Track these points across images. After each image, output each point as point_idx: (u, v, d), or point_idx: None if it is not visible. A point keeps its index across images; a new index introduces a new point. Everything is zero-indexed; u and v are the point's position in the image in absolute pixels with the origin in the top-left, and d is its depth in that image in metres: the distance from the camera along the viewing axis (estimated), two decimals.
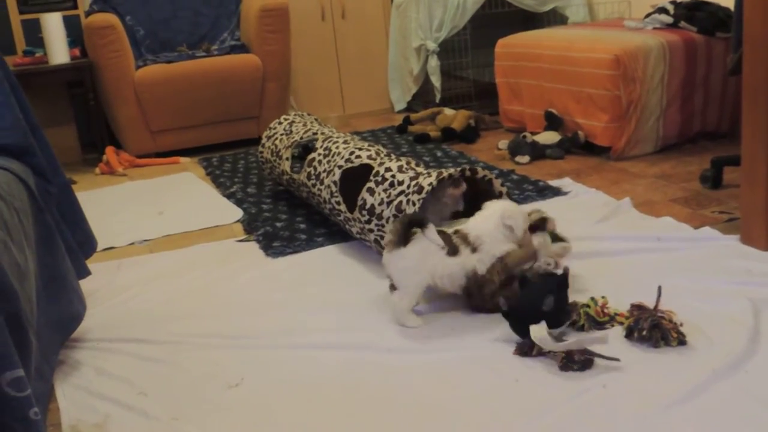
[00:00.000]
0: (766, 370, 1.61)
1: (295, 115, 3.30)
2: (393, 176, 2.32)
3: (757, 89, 2.15)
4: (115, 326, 2.14)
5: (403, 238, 1.96)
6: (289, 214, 3.05)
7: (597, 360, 1.70)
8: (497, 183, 2.27)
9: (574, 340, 1.73)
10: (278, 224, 2.92)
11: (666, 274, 2.10)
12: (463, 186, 2.23)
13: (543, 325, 1.75)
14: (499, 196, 2.27)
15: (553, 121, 3.68)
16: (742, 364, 1.64)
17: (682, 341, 1.74)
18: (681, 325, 1.77)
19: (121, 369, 1.89)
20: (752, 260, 2.16)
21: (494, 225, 1.99)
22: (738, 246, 2.26)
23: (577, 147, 3.58)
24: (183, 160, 4.24)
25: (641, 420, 1.49)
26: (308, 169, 2.73)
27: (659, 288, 1.83)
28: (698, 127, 3.53)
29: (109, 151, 4.18)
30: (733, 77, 3.25)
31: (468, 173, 2.24)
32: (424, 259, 1.95)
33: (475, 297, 2.00)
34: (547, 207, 2.83)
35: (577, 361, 1.68)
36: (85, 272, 2.13)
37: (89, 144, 4.54)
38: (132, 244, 2.88)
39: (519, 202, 2.85)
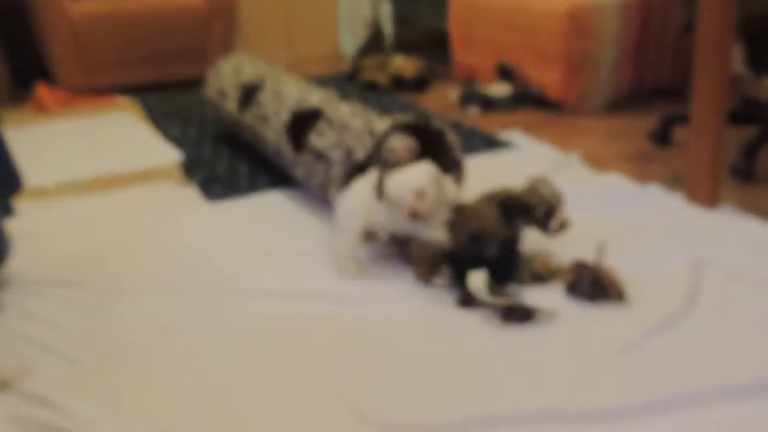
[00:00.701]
0: (702, 327, 1.66)
1: (243, 56, 3.23)
2: (344, 119, 2.30)
3: (709, 47, 2.17)
4: (43, 268, 2.08)
5: (347, 182, 1.95)
6: (231, 157, 3.00)
7: (538, 314, 1.72)
8: (451, 136, 2.26)
9: (508, 297, 1.77)
10: (219, 168, 2.87)
11: (610, 230, 2.13)
12: (412, 145, 2.19)
13: (483, 273, 1.76)
14: (450, 150, 2.26)
15: (505, 73, 3.68)
16: (679, 320, 1.68)
17: (620, 297, 1.77)
18: (621, 281, 1.80)
19: (48, 312, 1.85)
20: (695, 219, 2.21)
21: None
22: (682, 204, 2.31)
23: (529, 100, 3.59)
24: (120, 99, 4.12)
25: (579, 373, 1.52)
26: (255, 111, 2.68)
27: (602, 244, 1.86)
28: (651, 83, 3.57)
29: (42, 87, 4.04)
30: (687, 33, 3.28)
31: (421, 122, 2.22)
32: (362, 203, 1.94)
33: (404, 250, 2.00)
34: (494, 160, 2.85)
35: (518, 313, 1.71)
36: (9, 211, 2.06)
37: (19, 80, 4.36)
38: (63, 184, 2.80)
39: (467, 153, 2.86)
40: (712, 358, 1.54)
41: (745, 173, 2.49)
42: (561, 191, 1.92)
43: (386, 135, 2.19)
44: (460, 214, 1.88)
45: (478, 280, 1.74)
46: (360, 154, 2.14)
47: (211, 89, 3.12)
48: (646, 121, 3.23)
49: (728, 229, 2.12)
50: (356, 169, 1.95)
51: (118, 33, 4.08)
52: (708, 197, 2.26)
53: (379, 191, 1.88)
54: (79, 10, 3.99)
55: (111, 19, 4.05)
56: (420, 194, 1.80)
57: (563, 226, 1.90)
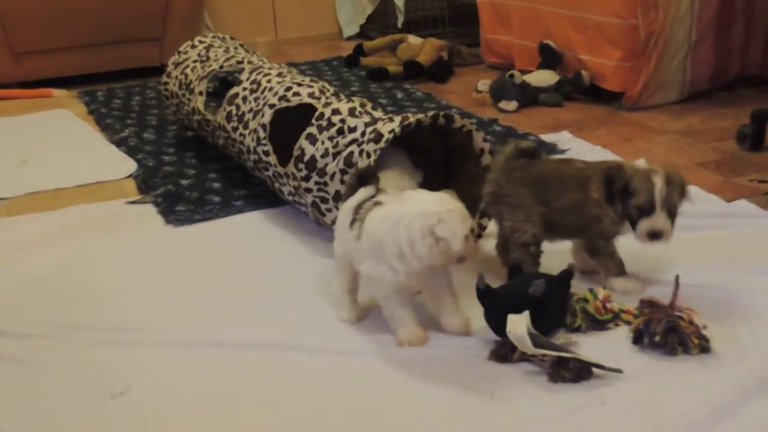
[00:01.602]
0: None
1: (213, 37, 3.25)
2: (342, 120, 2.30)
3: None
4: None
5: (350, 194, 1.96)
6: (199, 168, 3.01)
7: (595, 370, 1.71)
8: (479, 137, 2.27)
9: (562, 342, 1.75)
10: (184, 182, 2.88)
11: (688, 260, 2.11)
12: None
13: (525, 316, 1.75)
14: (480, 153, 2.26)
15: (549, 57, 3.69)
16: None
17: (705, 348, 1.76)
18: (705, 327, 1.79)
19: None
20: None
21: (393, 234, 1.79)
22: None
23: (580, 91, 3.59)
24: (57, 92, 4.15)
25: None
26: (228, 108, 2.69)
27: (677, 279, 1.85)
28: (737, 69, 3.58)
29: None
30: None
31: (442, 121, 2.22)
32: (344, 220, 1.94)
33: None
34: None
35: (571, 369, 1.70)
36: None
37: None
38: None
39: None
40: None
41: None
42: (685, 191, 1.93)
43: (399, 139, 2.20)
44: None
45: (520, 325, 1.74)
46: (362, 163, 2.14)
47: (172, 81, 3.13)
48: (732, 119, 3.22)
49: None
50: (362, 178, 1.94)
51: (53, 8, 4.10)
52: None
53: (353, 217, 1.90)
54: None
55: None
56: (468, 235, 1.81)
57: (655, 235, 1.89)
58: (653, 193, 1.87)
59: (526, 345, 1.72)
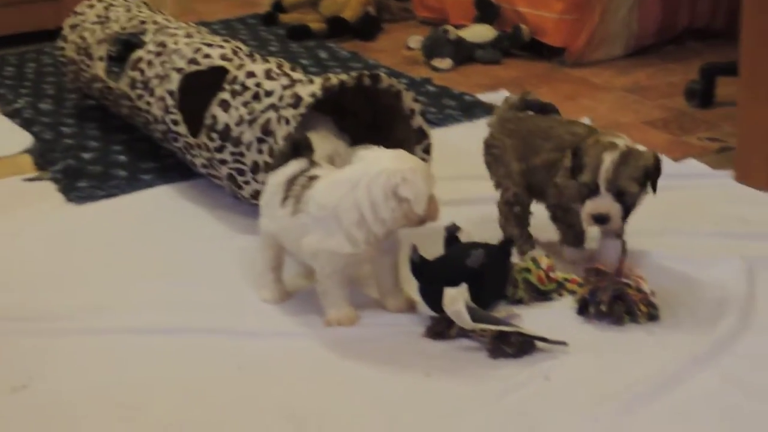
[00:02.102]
0: (761, 355, 1.71)
1: None
2: (258, 84, 2.30)
3: None
4: None
5: (281, 164, 1.97)
6: (102, 140, 2.98)
7: (539, 344, 1.75)
8: (408, 97, 2.28)
9: (503, 315, 1.79)
10: (85, 155, 2.86)
11: (634, 223, 2.15)
12: None
13: (463, 289, 1.78)
14: (411, 115, 2.28)
15: (486, 10, 3.71)
16: (730, 345, 1.72)
17: (653, 316, 1.81)
18: (653, 294, 1.84)
19: None
20: (749, 204, 2.27)
21: (354, 197, 1.78)
22: (731, 185, 2.37)
23: (520, 47, 3.63)
24: None
25: (594, 423, 1.55)
26: (132, 74, 2.67)
27: (623, 244, 1.89)
28: (685, 21, 3.65)
29: None
30: None
31: (367, 81, 2.24)
32: (272, 198, 1.94)
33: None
34: (475, 131, 2.87)
35: (513, 344, 1.73)
36: None
37: None
38: None
39: (437, 124, 2.88)
40: None
41: None
42: (649, 175, 1.87)
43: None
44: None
45: (457, 299, 1.76)
46: (281, 130, 2.15)
47: (69, 46, 3.09)
48: (680, 74, 3.29)
49: None
50: (297, 147, 1.95)
51: None
52: (766, 175, 2.33)
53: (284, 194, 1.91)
54: None
55: None
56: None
57: (598, 219, 1.87)
58: (598, 173, 1.84)
59: (464, 320, 1.75)
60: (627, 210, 1.87)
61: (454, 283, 1.78)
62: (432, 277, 1.85)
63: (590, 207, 1.86)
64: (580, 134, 1.98)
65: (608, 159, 1.83)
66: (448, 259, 1.89)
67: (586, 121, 2.81)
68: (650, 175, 1.86)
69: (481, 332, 1.77)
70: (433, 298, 1.82)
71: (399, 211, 1.75)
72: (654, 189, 1.87)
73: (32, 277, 2.16)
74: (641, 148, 1.90)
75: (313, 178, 1.87)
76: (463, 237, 1.94)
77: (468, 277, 1.81)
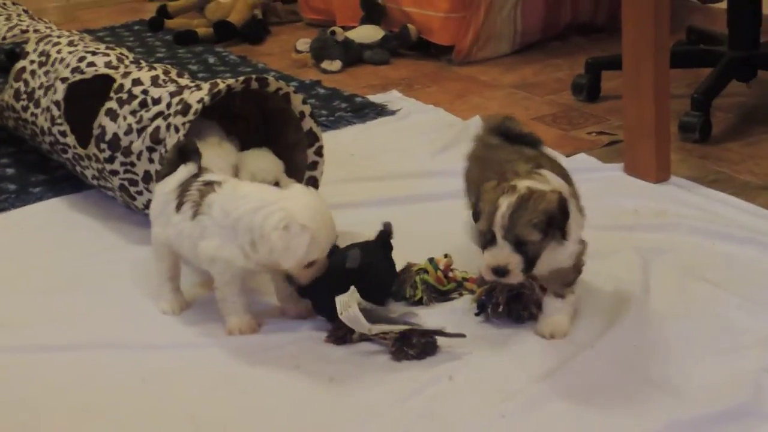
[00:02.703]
0: (655, 342, 1.74)
1: None
2: (145, 91, 2.26)
3: None
4: None
5: (168, 172, 1.93)
6: None
7: (441, 341, 1.74)
8: (297, 100, 2.27)
9: (401, 315, 1.79)
10: None
11: None
12: None
13: (353, 293, 1.76)
14: (301, 117, 2.26)
15: (372, 11, 3.71)
16: (627, 336, 1.75)
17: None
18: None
19: None
20: (639, 197, 2.31)
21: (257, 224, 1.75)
22: (622, 178, 2.41)
23: (408, 47, 3.64)
24: None
25: (501, 420, 1.56)
26: (16, 85, 2.61)
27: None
28: (568, 17, 3.71)
29: None
30: None
31: (255, 85, 2.21)
32: (164, 207, 1.91)
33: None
34: (367, 133, 2.87)
35: (415, 345, 1.73)
36: None
37: None
38: None
39: (329, 126, 2.87)
40: (668, 381, 1.61)
41: (698, 131, 2.62)
42: (552, 222, 1.64)
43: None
44: None
45: (350, 304, 1.75)
46: (171, 139, 2.11)
47: None
48: (566, 69, 3.34)
49: (681, 208, 2.23)
50: (183, 154, 1.91)
51: None
52: (653, 166, 2.37)
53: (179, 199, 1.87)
54: None
55: None
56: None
57: (497, 271, 1.66)
58: (493, 220, 1.63)
59: (361, 324, 1.74)
60: (530, 261, 1.64)
61: (342, 289, 1.76)
62: (318, 287, 1.82)
63: (487, 258, 1.66)
64: (509, 161, 1.79)
65: (504, 204, 1.61)
66: (330, 265, 1.83)
67: (476, 118, 2.84)
68: (553, 220, 1.63)
69: (382, 335, 1.76)
70: (327, 309, 1.80)
71: (268, 256, 1.74)
72: (563, 235, 1.65)
73: None
74: (552, 185, 1.69)
75: (211, 183, 1.84)
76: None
77: (352, 279, 1.79)
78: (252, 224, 1.74)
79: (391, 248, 1.91)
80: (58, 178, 2.67)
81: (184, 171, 1.90)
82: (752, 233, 2.08)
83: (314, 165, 2.27)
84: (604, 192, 2.34)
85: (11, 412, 1.68)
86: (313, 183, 2.26)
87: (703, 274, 1.94)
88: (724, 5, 2.85)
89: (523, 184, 1.64)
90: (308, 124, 2.26)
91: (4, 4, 3.14)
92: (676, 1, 3.03)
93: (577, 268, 1.76)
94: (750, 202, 2.23)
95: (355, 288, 1.77)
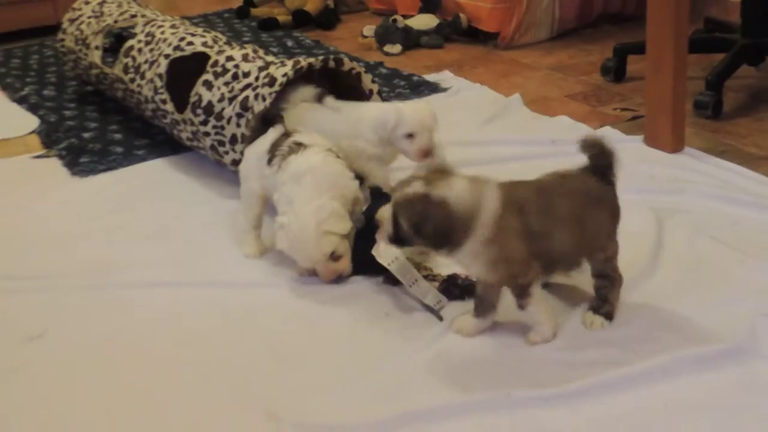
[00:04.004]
0: (667, 289, 1.74)
1: None
2: (236, 66, 2.28)
3: None
4: None
5: (255, 137, 1.96)
6: (100, 121, 2.95)
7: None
8: (367, 79, 2.28)
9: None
10: (86, 135, 2.82)
11: None
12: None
13: (390, 246, 1.64)
14: (369, 95, 2.28)
15: (429, 2, 3.70)
16: (639, 283, 1.76)
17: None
18: None
19: None
20: (657, 164, 2.29)
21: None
22: (642, 148, 2.40)
23: (459, 33, 3.63)
24: None
25: (525, 351, 1.58)
26: (125, 60, 2.64)
27: None
28: (600, 7, 3.67)
29: None
30: None
31: (332, 64, 2.23)
32: (258, 163, 1.94)
33: None
34: None
35: (460, 285, 1.75)
36: None
37: None
38: None
39: (388, 100, 2.88)
40: (678, 323, 1.62)
41: (711, 109, 2.60)
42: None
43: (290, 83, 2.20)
44: None
45: (396, 254, 1.73)
46: (258, 106, 2.14)
47: (68, 38, 3.04)
48: (597, 54, 3.31)
49: (694, 175, 2.21)
50: (266, 121, 1.94)
51: None
52: (670, 139, 2.35)
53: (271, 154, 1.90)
54: None
55: None
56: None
57: None
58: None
59: (411, 272, 1.73)
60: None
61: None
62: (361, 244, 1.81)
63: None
64: None
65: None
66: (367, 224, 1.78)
67: (516, 95, 2.84)
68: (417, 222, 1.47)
69: (431, 275, 1.77)
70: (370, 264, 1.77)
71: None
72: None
73: (43, 242, 2.14)
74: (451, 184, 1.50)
75: (299, 144, 1.87)
76: None
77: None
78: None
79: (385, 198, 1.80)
80: (158, 142, 2.71)
81: (274, 132, 1.93)
82: (755, 197, 2.07)
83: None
84: (625, 160, 2.28)
85: (119, 337, 1.73)
86: None
87: (710, 232, 1.93)
88: None
89: (420, 184, 1.49)
90: (376, 100, 2.28)
91: None
92: None
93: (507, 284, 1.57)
94: (754, 171, 2.21)
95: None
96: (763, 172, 2.20)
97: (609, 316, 1.64)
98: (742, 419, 1.38)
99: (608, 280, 1.64)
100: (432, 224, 1.46)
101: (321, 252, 1.78)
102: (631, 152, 2.37)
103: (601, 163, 1.62)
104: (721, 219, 1.99)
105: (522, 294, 1.55)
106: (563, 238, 1.54)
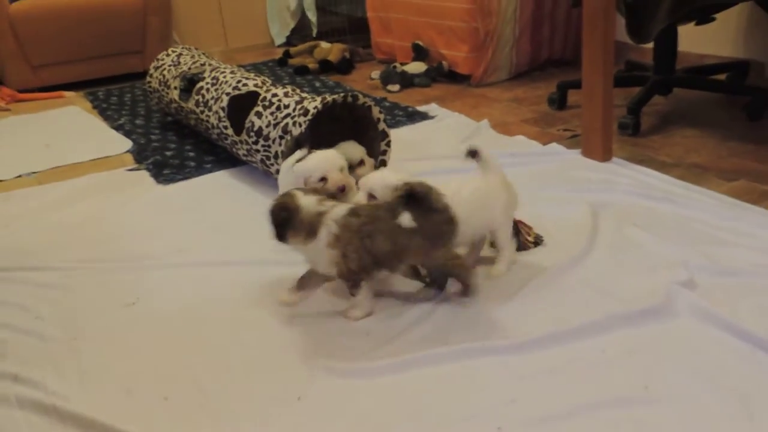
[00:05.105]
0: (602, 264, 1.71)
1: (182, 48, 3.13)
2: (279, 100, 2.25)
3: (595, 19, 2.20)
4: (8, 256, 1.99)
5: (288, 154, 1.92)
6: (178, 143, 2.92)
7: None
8: (375, 110, 2.24)
9: None
10: (168, 153, 2.79)
11: (520, 185, 2.14)
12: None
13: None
14: (377, 122, 2.24)
15: (420, 52, 3.67)
16: (581, 259, 1.72)
17: (537, 244, 1.80)
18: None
19: (15, 296, 1.77)
20: (591, 170, 2.25)
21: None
22: (580, 159, 2.35)
23: (442, 75, 3.59)
24: (68, 94, 3.95)
25: (504, 310, 1.55)
26: (196, 97, 2.61)
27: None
28: (546, 54, 3.62)
29: None
30: (575, 8, 3.33)
31: (350, 99, 2.19)
32: (288, 172, 1.87)
33: None
34: (416, 130, 2.85)
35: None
36: None
37: None
38: (20, 176, 2.68)
39: (392, 126, 2.85)
40: (611, 289, 1.59)
41: (631, 128, 2.56)
42: None
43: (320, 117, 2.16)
44: None
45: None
46: (295, 131, 2.11)
47: (154, 80, 3.02)
48: (545, 89, 3.27)
49: (619, 178, 2.17)
50: (298, 142, 1.91)
51: (59, 30, 3.89)
52: (601, 151, 2.31)
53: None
54: (19, 8, 3.79)
55: (50, 17, 3.85)
56: (342, 170, 1.75)
57: None
58: None
59: None
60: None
61: None
62: None
63: None
64: None
65: None
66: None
67: (485, 121, 2.80)
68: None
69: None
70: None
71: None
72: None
73: (135, 232, 2.12)
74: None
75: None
76: None
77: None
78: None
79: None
80: (222, 158, 2.68)
81: (299, 153, 1.90)
82: (666, 194, 2.03)
83: (385, 152, 2.25)
84: (567, 167, 2.30)
85: (196, 306, 1.69)
86: (383, 163, 2.24)
87: (633, 220, 1.90)
88: (651, 45, 2.77)
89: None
90: (381, 126, 2.24)
91: (189, 48, 3.14)
92: (619, 43, 2.96)
93: (343, 277, 1.53)
94: (666, 174, 2.17)
95: None
96: (673, 175, 2.16)
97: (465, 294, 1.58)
98: (661, 361, 1.35)
99: (454, 275, 1.57)
100: (276, 217, 1.51)
101: (337, 164, 1.73)
102: (571, 162, 2.35)
103: (417, 199, 1.48)
104: (641, 210, 1.96)
105: (354, 286, 1.53)
106: (381, 239, 1.49)
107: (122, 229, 2.14)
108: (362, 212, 1.51)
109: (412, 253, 1.51)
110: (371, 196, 1.59)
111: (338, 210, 1.51)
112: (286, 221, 1.51)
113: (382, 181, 1.59)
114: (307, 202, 1.52)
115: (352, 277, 1.53)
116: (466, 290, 1.59)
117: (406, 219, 1.46)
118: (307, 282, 1.60)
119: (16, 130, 3.33)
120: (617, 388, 1.29)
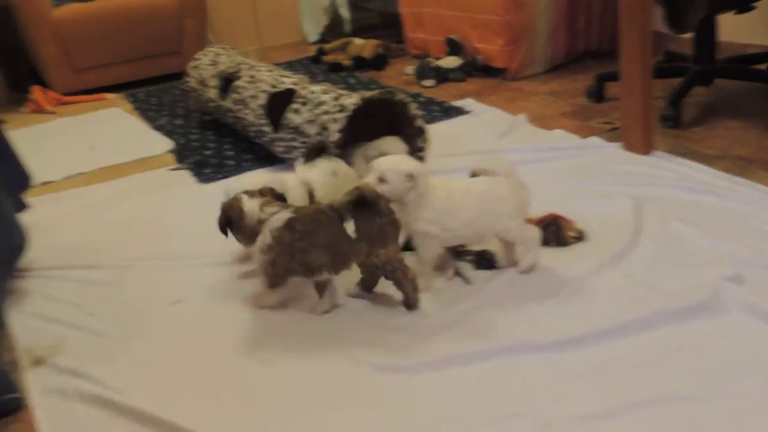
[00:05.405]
0: (646, 258, 1.68)
1: (218, 48, 3.16)
2: (316, 97, 2.25)
3: (632, 9, 2.16)
4: (59, 255, 2.03)
5: (307, 159, 1.93)
6: (216, 142, 2.94)
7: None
8: (412, 106, 2.23)
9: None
10: (207, 152, 2.81)
11: (560, 179, 2.13)
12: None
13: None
14: (414, 118, 2.23)
15: (454, 47, 3.64)
16: (626, 255, 1.70)
17: (579, 239, 1.78)
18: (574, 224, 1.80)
19: (68, 294, 1.81)
20: (632, 164, 2.21)
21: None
22: (621, 152, 2.31)
23: (477, 70, 3.56)
24: (110, 96, 4.01)
25: (548, 306, 1.53)
26: (234, 96, 2.63)
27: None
28: (583, 46, 3.56)
29: (36, 89, 3.91)
30: None
31: (388, 95, 2.19)
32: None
33: None
34: (452, 126, 2.83)
35: (487, 258, 1.71)
36: (22, 206, 2.01)
37: (14, 84, 4.22)
38: (67, 177, 2.73)
39: (428, 122, 2.84)
40: (656, 285, 1.56)
41: (672, 121, 2.51)
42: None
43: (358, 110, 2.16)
44: None
45: None
46: (334, 128, 2.11)
47: (192, 80, 3.05)
48: (582, 81, 3.22)
49: (662, 171, 2.13)
50: (319, 148, 1.92)
51: (100, 34, 3.95)
52: (642, 144, 2.27)
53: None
54: (61, 14, 3.86)
55: (91, 22, 3.92)
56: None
57: None
58: None
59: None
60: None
61: None
62: None
63: None
64: None
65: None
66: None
67: (522, 115, 2.77)
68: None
69: (466, 250, 1.72)
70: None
71: None
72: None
73: (178, 231, 2.14)
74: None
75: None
76: None
77: None
78: None
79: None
80: (260, 156, 2.68)
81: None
82: (710, 187, 1.99)
83: (422, 148, 2.24)
84: (608, 161, 2.26)
85: (234, 301, 1.70)
86: (421, 159, 2.23)
87: (677, 214, 1.86)
88: (690, 35, 2.71)
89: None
90: (419, 122, 2.24)
91: (225, 48, 3.17)
92: (657, 33, 2.90)
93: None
94: (709, 167, 2.12)
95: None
96: (716, 168, 2.11)
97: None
98: (709, 358, 1.33)
99: (393, 281, 1.54)
100: (220, 219, 1.60)
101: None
102: (612, 155, 2.31)
103: (365, 204, 1.47)
104: (684, 204, 1.92)
105: (273, 285, 1.58)
106: (318, 253, 1.50)
107: (166, 228, 2.17)
108: (299, 225, 1.50)
109: (354, 257, 1.51)
110: (382, 180, 1.54)
111: (276, 220, 1.52)
112: (229, 224, 1.59)
113: (394, 166, 1.55)
114: (251, 207, 1.56)
115: (275, 281, 1.57)
116: (407, 301, 1.55)
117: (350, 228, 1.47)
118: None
119: (62, 132, 3.39)
120: (664, 386, 1.27)
